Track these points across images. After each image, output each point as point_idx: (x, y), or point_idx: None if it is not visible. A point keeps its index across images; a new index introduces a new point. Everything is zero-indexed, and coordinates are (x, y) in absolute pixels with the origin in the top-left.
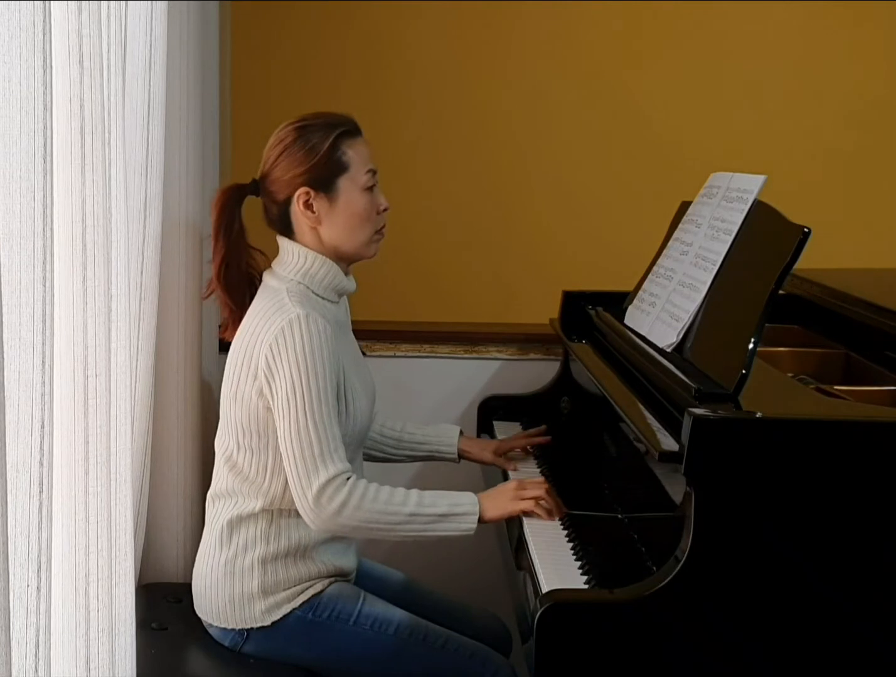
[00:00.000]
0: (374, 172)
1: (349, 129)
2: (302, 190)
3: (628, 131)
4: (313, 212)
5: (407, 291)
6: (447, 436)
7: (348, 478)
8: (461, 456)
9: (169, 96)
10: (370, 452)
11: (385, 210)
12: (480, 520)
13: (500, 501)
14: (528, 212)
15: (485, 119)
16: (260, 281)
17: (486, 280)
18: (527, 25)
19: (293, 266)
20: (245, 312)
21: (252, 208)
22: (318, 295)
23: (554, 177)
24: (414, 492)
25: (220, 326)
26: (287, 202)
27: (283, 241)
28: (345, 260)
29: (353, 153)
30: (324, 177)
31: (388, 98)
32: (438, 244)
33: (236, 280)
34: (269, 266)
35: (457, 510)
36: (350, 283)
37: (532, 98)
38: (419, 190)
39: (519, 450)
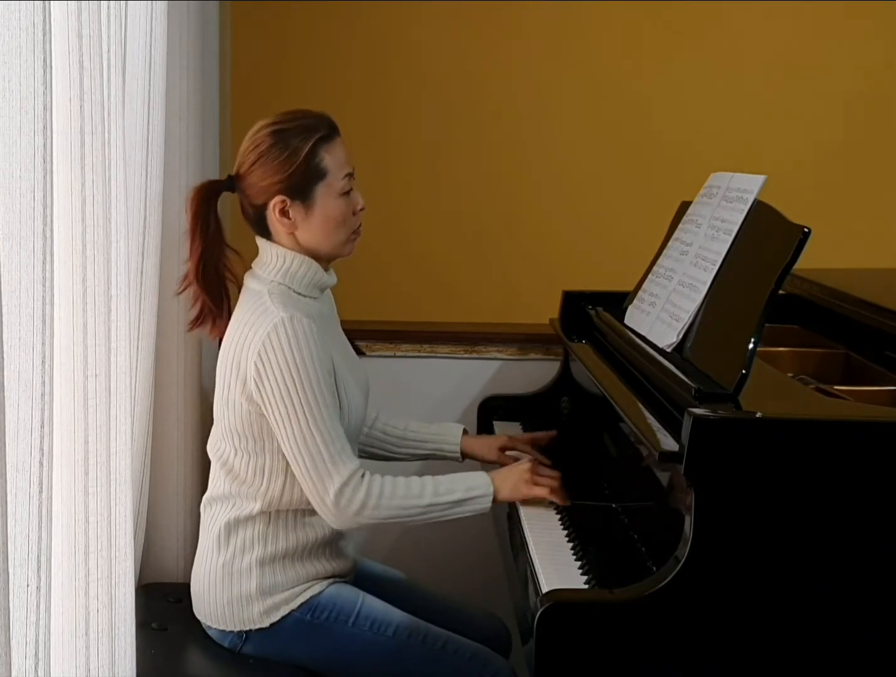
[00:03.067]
0: (351, 175)
1: (326, 134)
2: (278, 199)
3: (629, 132)
4: (289, 218)
5: (410, 289)
6: (450, 434)
7: (363, 476)
8: (465, 455)
9: (169, 96)
10: (371, 450)
11: (361, 209)
12: (494, 500)
13: (514, 482)
14: (530, 210)
15: (487, 118)
16: (233, 279)
17: (489, 278)
18: (530, 25)
19: (273, 267)
20: (222, 309)
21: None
22: (299, 293)
23: (555, 177)
24: (428, 480)
25: (192, 320)
26: (263, 207)
27: (262, 242)
28: (322, 260)
29: (331, 158)
30: (300, 186)
31: (390, 97)
32: (441, 242)
33: (213, 277)
34: (245, 266)
35: (472, 493)
36: (330, 278)
37: (535, 99)
38: (422, 189)
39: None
